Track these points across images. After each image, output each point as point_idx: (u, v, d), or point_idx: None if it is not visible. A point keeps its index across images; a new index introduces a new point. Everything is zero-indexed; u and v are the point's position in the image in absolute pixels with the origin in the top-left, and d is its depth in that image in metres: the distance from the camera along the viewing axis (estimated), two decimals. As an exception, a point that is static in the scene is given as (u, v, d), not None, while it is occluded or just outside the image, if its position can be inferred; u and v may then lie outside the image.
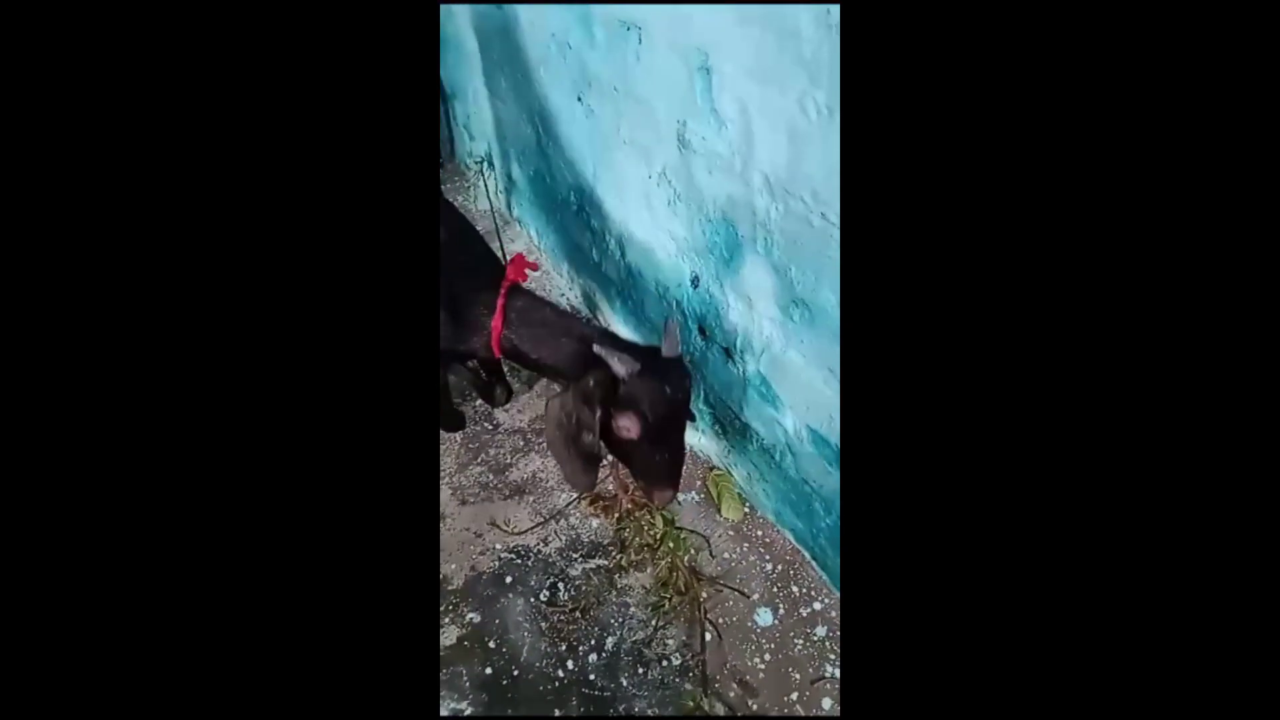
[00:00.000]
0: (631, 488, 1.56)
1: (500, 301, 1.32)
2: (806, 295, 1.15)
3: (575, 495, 1.60)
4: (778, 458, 1.43)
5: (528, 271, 1.39)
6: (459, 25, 2.11)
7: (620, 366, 1.14)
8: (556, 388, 1.45)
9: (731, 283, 1.33)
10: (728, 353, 1.45)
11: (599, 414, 1.17)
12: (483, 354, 1.42)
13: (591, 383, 1.17)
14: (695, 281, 1.46)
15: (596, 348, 1.16)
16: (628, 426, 1.18)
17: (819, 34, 0.92)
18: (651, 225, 1.52)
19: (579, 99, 1.61)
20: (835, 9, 0.88)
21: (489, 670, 1.33)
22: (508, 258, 1.41)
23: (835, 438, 1.23)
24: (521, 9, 1.69)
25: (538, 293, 1.37)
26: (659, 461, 1.24)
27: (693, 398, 1.62)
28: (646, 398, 1.16)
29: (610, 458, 1.31)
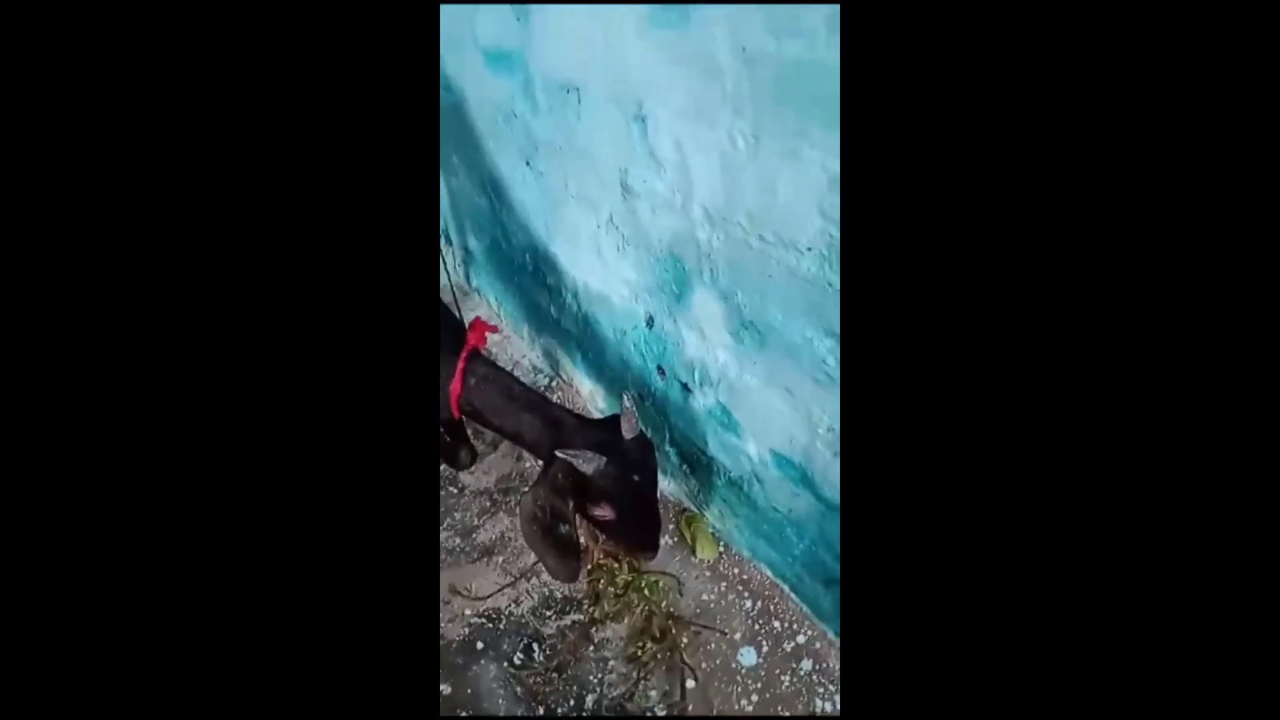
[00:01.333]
0: (600, 540, 1.53)
1: (460, 366, 1.34)
2: (754, 316, 1.18)
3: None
4: (746, 488, 1.42)
5: (489, 336, 1.41)
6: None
7: (586, 466, 1.17)
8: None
9: (684, 317, 1.37)
10: (686, 388, 1.47)
11: (571, 505, 1.21)
12: (443, 415, 1.42)
13: (560, 477, 1.20)
14: (650, 322, 1.49)
15: (560, 453, 1.20)
16: (602, 513, 1.24)
17: (737, 67, 1.00)
18: (603, 273, 1.57)
19: (527, 163, 1.68)
20: (749, 43, 0.96)
21: (462, 743, 1.25)
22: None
23: (798, 457, 1.24)
24: (468, 84, 1.79)
25: (498, 362, 1.40)
26: (637, 532, 1.30)
27: (658, 436, 1.63)
28: (614, 486, 1.21)
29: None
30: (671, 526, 1.62)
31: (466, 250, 2.35)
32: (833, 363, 1.09)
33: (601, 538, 1.50)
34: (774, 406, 1.24)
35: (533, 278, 1.93)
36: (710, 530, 1.57)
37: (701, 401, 1.43)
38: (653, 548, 1.33)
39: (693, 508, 1.63)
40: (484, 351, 1.41)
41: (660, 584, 1.46)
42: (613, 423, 1.27)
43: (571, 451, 1.21)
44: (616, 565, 1.48)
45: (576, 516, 1.27)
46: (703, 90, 1.08)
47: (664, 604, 1.43)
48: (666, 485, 1.69)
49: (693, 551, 1.54)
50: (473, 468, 1.78)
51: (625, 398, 1.27)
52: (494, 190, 1.93)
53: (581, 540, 1.55)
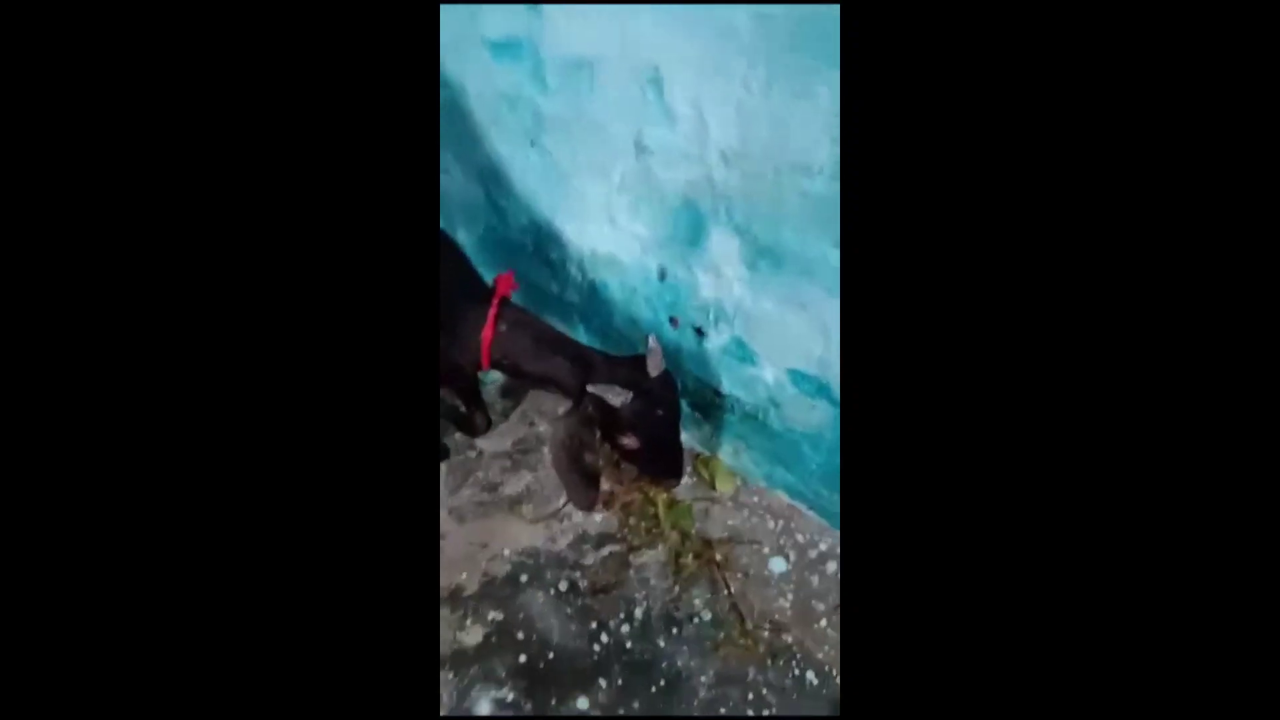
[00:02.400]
0: (627, 481, 1.63)
1: (492, 313, 1.43)
2: (769, 243, 1.35)
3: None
4: (761, 417, 1.56)
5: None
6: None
7: (614, 399, 1.30)
8: (537, 415, 1.56)
9: (698, 261, 1.52)
10: (699, 332, 1.61)
11: (599, 436, 1.34)
12: (468, 370, 1.50)
13: (590, 409, 1.33)
14: (662, 274, 1.63)
15: (590, 387, 1.32)
16: (628, 443, 1.36)
17: (753, 25, 1.18)
18: (614, 236, 1.71)
19: (531, 144, 1.82)
20: (764, 7, 1.15)
21: (523, 658, 1.30)
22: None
23: (814, 369, 1.39)
24: (469, 77, 1.92)
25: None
26: (661, 462, 1.42)
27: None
28: (640, 419, 1.34)
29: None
30: (689, 469, 1.74)
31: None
32: (845, 272, 1.26)
33: (629, 473, 1.60)
34: (789, 326, 1.39)
35: (533, 258, 2.04)
36: (726, 468, 1.70)
37: (716, 341, 1.58)
38: (676, 475, 1.45)
39: (706, 451, 1.76)
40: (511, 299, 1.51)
41: (690, 508, 1.57)
42: (639, 361, 1.39)
43: (601, 385, 1.32)
44: (645, 498, 1.58)
45: (604, 447, 1.38)
46: (718, 48, 1.25)
47: (693, 529, 1.53)
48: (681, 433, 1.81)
49: (712, 486, 1.66)
50: (488, 434, 1.85)
51: (650, 339, 1.40)
52: (492, 178, 2.05)
53: (605, 483, 1.65)
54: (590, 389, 1.32)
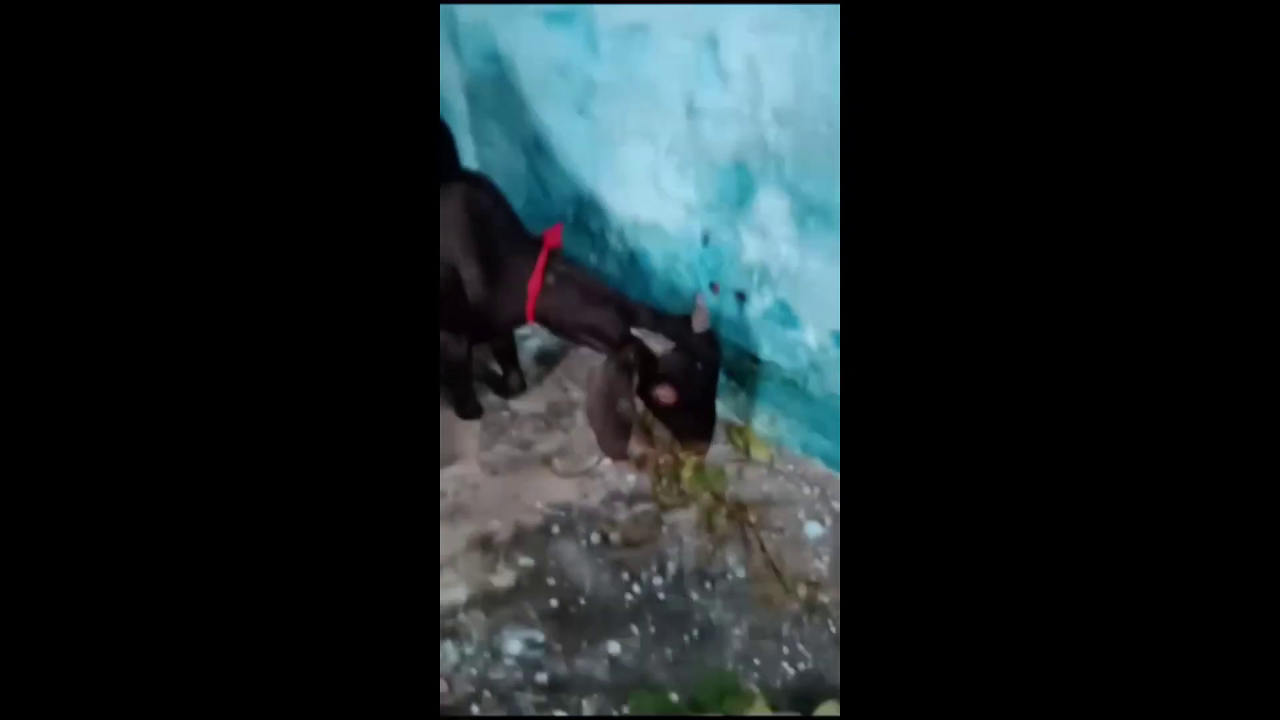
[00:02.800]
0: (659, 445, 1.62)
1: (540, 264, 1.45)
2: (819, 200, 1.35)
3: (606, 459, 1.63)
4: (801, 383, 1.55)
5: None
6: (447, 91, 2.37)
7: (656, 345, 1.30)
8: (570, 381, 1.56)
9: (745, 222, 1.52)
10: (740, 297, 1.60)
11: (635, 383, 1.34)
12: (512, 323, 1.51)
13: (631, 355, 1.32)
14: (706, 238, 1.64)
15: (635, 330, 1.32)
16: (664, 395, 1.37)
17: (814, -23, 1.20)
18: (658, 201, 1.72)
19: (579, 112, 1.84)
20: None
21: (554, 602, 1.29)
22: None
23: (859, 330, 1.38)
24: (521, 46, 1.96)
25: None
26: (693, 421, 1.44)
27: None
28: (680, 371, 1.35)
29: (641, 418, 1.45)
30: (723, 438, 1.73)
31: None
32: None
33: (661, 437, 1.59)
34: (835, 285, 1.39)
35: (572, 227, 2.06)
36: (760, 436, 1.68)
37: (758, 304, 1.57)
38: (706, 438, 1.46)
39: (740, 420, 1.75)
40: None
41: (721, 471, 1.55)
42: (685, 320, 1.40)
43: (645, 330, 1.32)
44: (677, 460, 1.57)
45: (638, 400, 1.38)
46: (775, 5, 1.27)
47: (725, 491, 1.52)
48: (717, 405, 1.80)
49: (746, 454, 1.65)
50: (521, 395, 1.85)
51: (698, 296, 1.41)
52: (536, 149, 2.08)
53: (636, 446, 1.64)
54: (634, 331, 1.32)
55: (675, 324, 1.39)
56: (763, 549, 1.38)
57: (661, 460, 1.60)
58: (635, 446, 1.64)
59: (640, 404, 1.43)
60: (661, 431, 1.56)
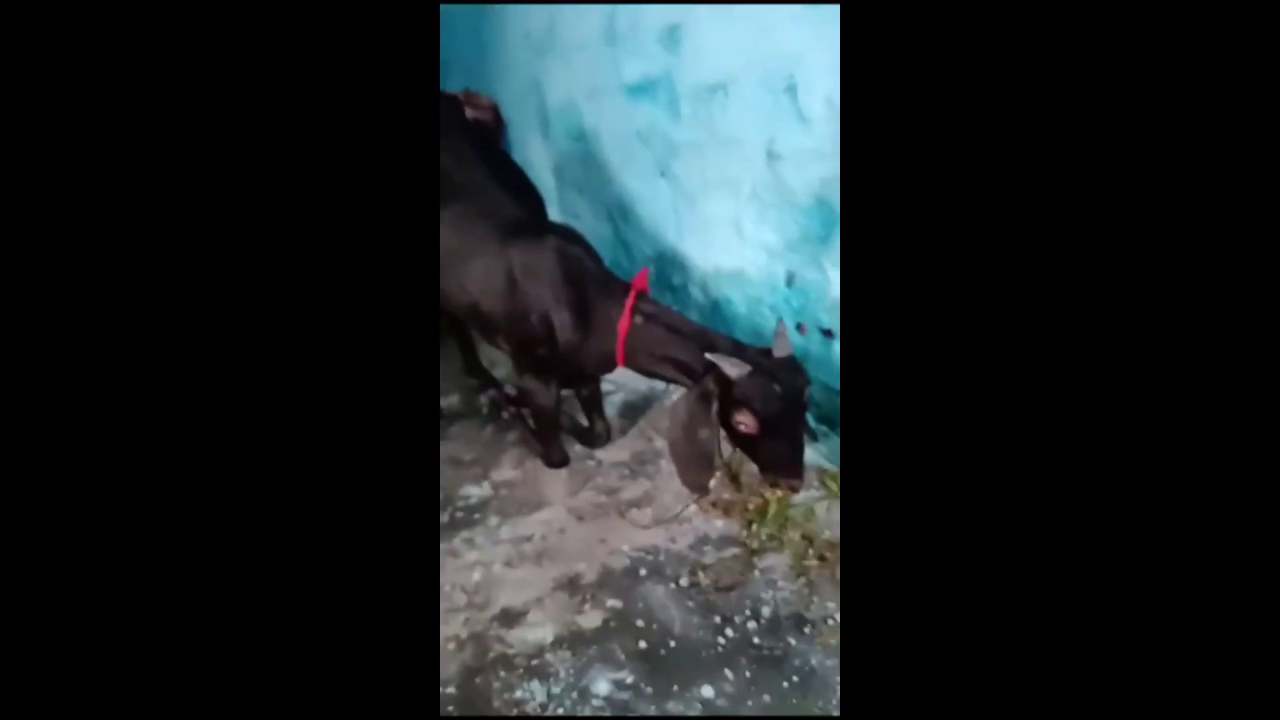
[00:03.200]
0: (748, 486, 1.56)
1: (629, 303, 1.48)
2: (908, 227, 1.34)
3: (691, 501, 1.58)
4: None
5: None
6: (535, 170, 2.55)
7: (731, 369, 1.30)
8: (654, 431, 1.55)
9: (829, 257, 1.52)
10: (827, 334, 1.58)
11: (715, 412, 1.30)
12: (601, 367, 1.54)
13: (710, 384, 1.32)
14: (790, 280, 1.64)
15: (709, 355, 1.32)
16: (744, 422, 1.31)
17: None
18: (740, 248, 1.75)
19: (661, 174, 1.94)
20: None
21: (643, 644, 1.23)
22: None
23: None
24: (605, 121, 2.10)
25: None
26: (779, 452, 1.35)
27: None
28: (758, 395, 1.30)
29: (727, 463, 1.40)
30: (815, 484, 1.65)
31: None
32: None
33: (749, 484, 1.54)
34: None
35: (655, 284, 2.11)
36: (855, 480, 1.60)
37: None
38: (796, 473, 1.35)
39: (832, 467, 1.67)
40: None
41: (812, 510, 1.47)
42: (765, 350, 1.38)
43: (719, 355, 1.31)
44: (768, 499, 1.51)
45: (722, 434, 1.33)
46: (854, 45, 1.32)
47: (822, 533, 1.43)
48: (807, 453, 1.74)
49: (837, 497, 1.56)
50: (607, 446, 1.85)
51: (779, 322, 1.39)
52: (620, 213, 2.18)
53: (727, 491, 1.59)
54: (709, 356, 1.31)
55: (755, 352, 1.37)
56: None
57: (751, 505, 1.54)
58: (724, 492, 1.59)
59: (725, 442, 1.39)
60: (750, 476, 1.51)
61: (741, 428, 1.32)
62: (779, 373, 1.32)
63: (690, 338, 1.43)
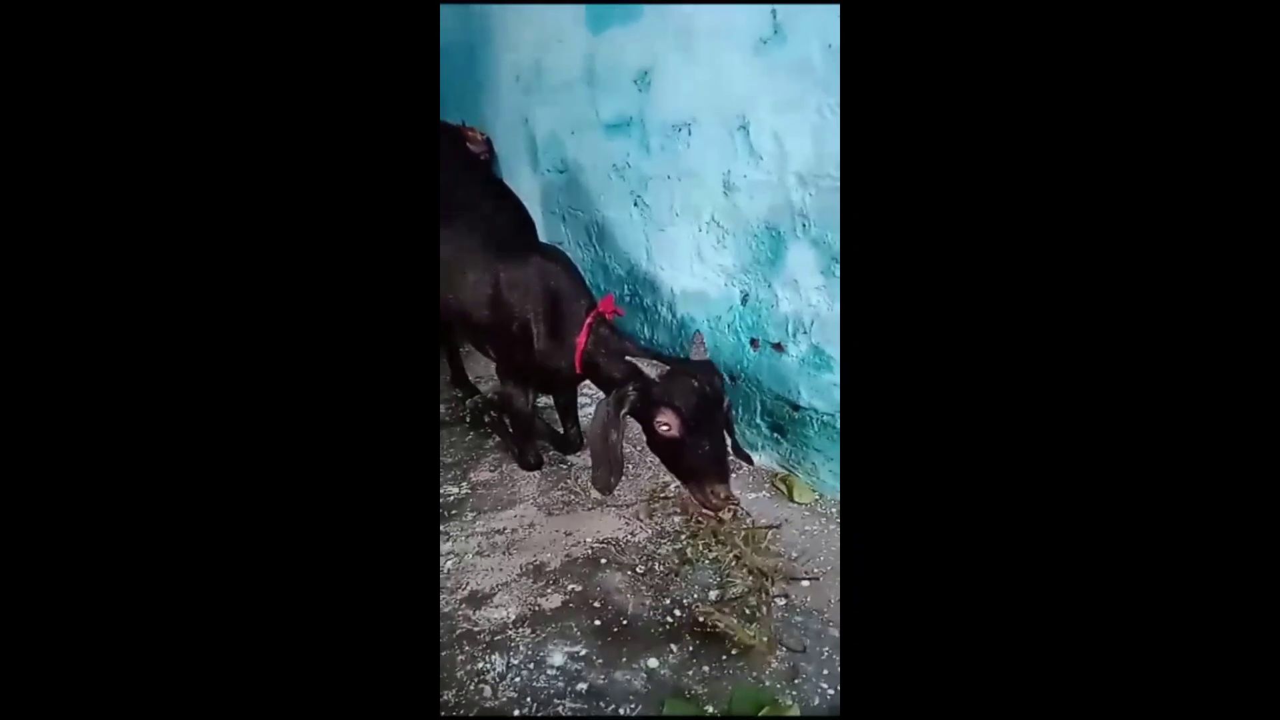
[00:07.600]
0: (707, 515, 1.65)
1: (587, 323, 1.63)
2: (840, 248, 1.49)
3: (648, 497, 1.71)
4: (837, 424, 1.61)
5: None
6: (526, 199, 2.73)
7: (649, 370, 1.42)
8: (627, 441, 1.66)
9: (778, 278, 1.67)
10: (778, 347, 1.72)
11: (625, 415, 1.41)
12: (565, 374, 1.67)
13: (630, 390, 1.43)
14: (745, 298, 1.79)
15: (629, 357, 1.45)
16: (667, 423, 1.39)
17: (825, 58, 1.42)
18: (702, 270, 1.90)
19: (634, 204, 2.11)
20: (834, 40, 1.38)
21: (598, 622, 1.34)
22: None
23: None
24: (584, 154, 2.28)
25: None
26: (702, 456, 1.40)
27: (749, 412, 1.84)
28: (678, 393, 1.39)
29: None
30: (766, 485, 1.77)
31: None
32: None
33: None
34: (863, 326, 1.49)
35: (629, 305, 2.26)
36: (804, 481, 1.72)
37: (795, 353, 1.68)
38: (718, 478, 1.37)
39: (784, 469, 1.79)
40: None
41: (756, 536, 1.54)
42: (684, 358, 1.52)
43: (639, 358, 1.44)
44: (718, 520, 1.55)
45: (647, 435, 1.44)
46: (797, 86, 1.49)
47: (759, 556, 1.48)
48: (759, 458, 1.86)
49: (790, 498, 1.68)
50: (579, 451, 1.97)
51: (696, 333, 1.54)
52: (598, 238, 2.35)
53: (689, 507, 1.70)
54: (628, 358, 1.44)
55: (673, 358, 1.50)
56: (768, 612, 1.36)
57: (702, 521, 1.61)
58: (688, 508, 1.67)
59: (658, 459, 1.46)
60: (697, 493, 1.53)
61: (664, 429, 1.39)
62: (697, 374, 1.43)
63: (629, 355, 1.54)
